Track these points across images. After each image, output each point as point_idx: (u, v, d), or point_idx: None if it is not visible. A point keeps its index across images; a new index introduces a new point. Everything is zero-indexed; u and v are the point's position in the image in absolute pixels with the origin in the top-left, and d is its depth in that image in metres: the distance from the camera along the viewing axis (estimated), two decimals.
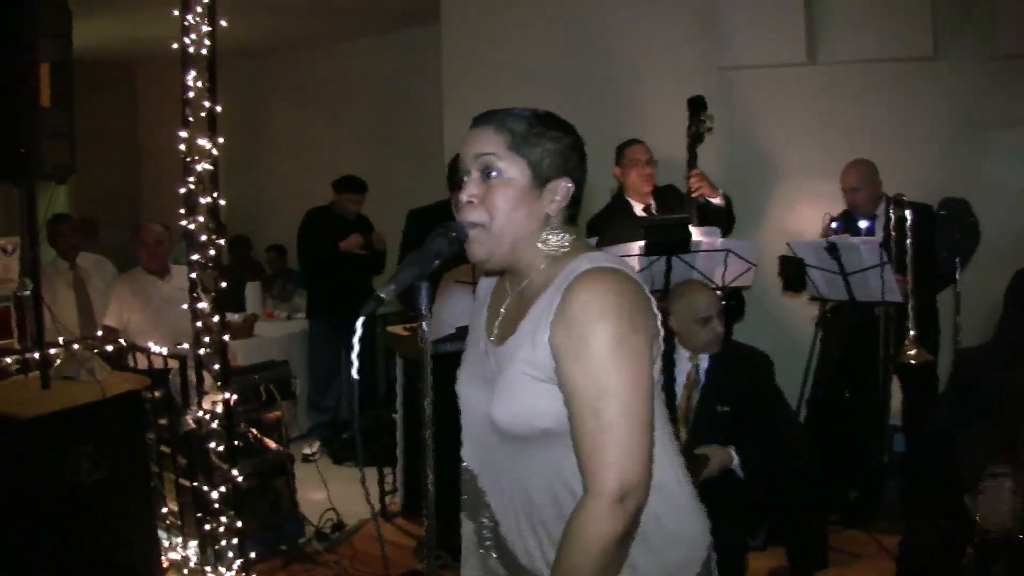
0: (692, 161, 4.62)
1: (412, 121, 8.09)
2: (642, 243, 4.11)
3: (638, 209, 4.76)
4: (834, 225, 4.58)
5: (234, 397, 3.83)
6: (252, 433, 4.46)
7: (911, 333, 4.27)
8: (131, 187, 9.57)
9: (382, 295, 1.42)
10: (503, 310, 1.69)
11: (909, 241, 4.29)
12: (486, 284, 1.82)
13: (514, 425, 1.57)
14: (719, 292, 4.15)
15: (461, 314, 3.64)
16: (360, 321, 1.41)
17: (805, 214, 5.24)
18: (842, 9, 5.22)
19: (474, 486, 1.73)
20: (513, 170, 1.56)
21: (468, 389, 1.72)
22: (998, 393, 1.88)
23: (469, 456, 1.75)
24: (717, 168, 4.81)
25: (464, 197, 1.58)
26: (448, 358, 2.01)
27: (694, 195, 4.57)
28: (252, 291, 6.82)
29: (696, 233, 4.24)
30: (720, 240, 4.33)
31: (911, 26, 4.97)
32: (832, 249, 4.27)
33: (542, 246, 1.61)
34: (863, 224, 4.54)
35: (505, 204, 1.56)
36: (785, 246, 4.68)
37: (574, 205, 1.65)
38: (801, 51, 5.30)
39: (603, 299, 1.48)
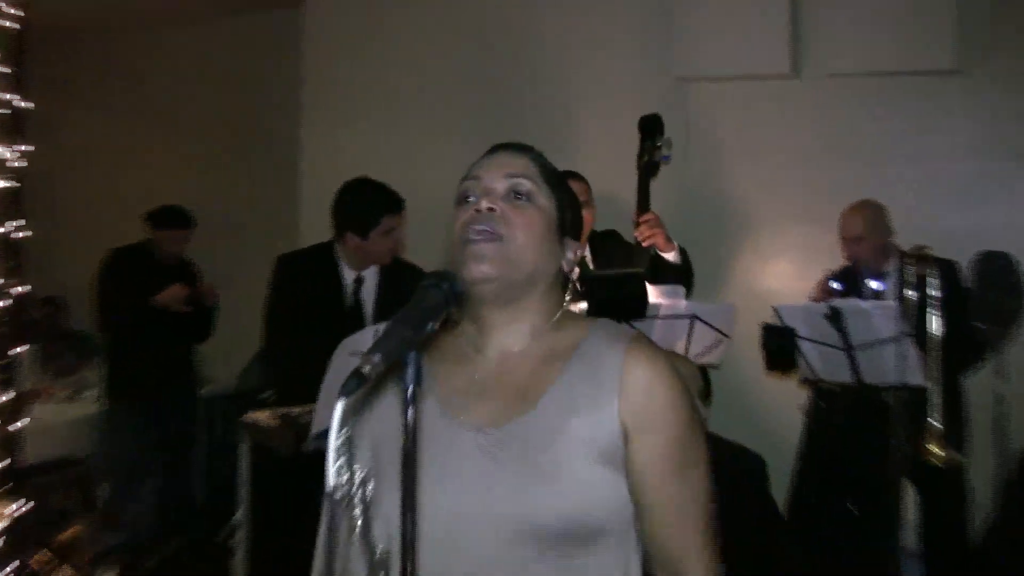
0: (644, 202, 4.42)
1: (259, 132, 7.86)
2: (583, 304, 3.94)
3: None
4: (835, 285, 4.63)
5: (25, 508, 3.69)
6: (44, 559, 4.17)
7: (936, 426, 4.23)
8: None
9: (365, 370, 1.33)
10: (477, 376, 1.74)
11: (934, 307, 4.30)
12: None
13: (567, 521, 1.59)
14: None
15: None
16: (339, 405, 1.30)
17: (787, 271, 5.45)
18: (838, 16, 5.30)
19: None
20: (544, 200, 1.76)
21: (444, 488, 1.64)
22: None
23: None
24: (671, 209, 4.74)
25: (485, 205, 1.71)
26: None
27: (644, 245, 4.37)
28: (28, 359, 6.45)
29: (654, 293, 4.09)
30: (685, 303, 4.21)
31: (932, 34, 5.08)
32: (834, 316, 4.21)
33: (562, 302, 1.80)
34: (874, 284, 4.57)
35: (532, 227, 1.72)
36: (761, 312, 4.60)
37: None
38: (785, 61, 5.40)
39: (672, 372, 1.71)
